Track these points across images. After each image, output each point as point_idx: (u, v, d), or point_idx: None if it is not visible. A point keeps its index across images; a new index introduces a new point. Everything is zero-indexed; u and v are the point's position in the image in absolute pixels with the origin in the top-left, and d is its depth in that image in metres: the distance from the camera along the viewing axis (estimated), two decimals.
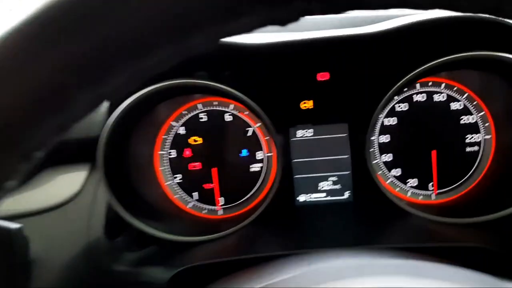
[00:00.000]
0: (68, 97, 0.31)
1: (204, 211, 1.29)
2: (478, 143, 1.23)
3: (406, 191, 1.26)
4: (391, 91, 1.08)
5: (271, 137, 1.20)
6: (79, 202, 1.00)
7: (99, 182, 1.02)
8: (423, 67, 1.05)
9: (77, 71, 0.30)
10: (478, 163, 1.23)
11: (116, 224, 1.01)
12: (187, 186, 1.28)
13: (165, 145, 1.26)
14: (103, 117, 1.09)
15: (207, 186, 1.28)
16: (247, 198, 1.29)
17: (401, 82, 1.07)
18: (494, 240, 1.01)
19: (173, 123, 1.26)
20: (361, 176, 1.24)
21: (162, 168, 1.27)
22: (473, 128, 1.22)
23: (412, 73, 1.06)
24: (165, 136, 1.26)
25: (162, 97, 1.16)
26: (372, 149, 1.24)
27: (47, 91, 0.30)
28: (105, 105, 1.13)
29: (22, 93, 0.29)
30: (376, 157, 1.25)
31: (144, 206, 1.13)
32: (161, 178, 1.28)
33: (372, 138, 1.23)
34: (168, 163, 1.27)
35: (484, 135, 1.22)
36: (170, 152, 1.26)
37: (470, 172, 1.24)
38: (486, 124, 1.22)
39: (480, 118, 1.22)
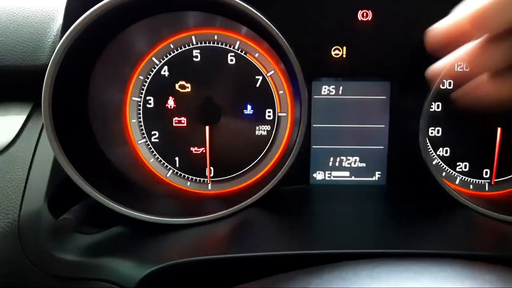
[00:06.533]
0: None
1: (188, 183, 0.99)
2: None
3: (454, 177, 0.98)
4: None
5: (292, 90, 0.89)
6: (12, 156, 0.79)
7: (42, 131, 0.81)
8: None
9: None
10: None
11: (64, 193, 0.79)
12: (167, 148, 0.99)
13: (140, 89, 0.94)
14: (53, 39, 0.84)
15: (195, 150, 0.95)
16: (247, 171, 0.99)
17: None
18: None
19: (154, 60, 0.93)
20: (401, 154, 0.96)
21: (134, 121, 0.96)
22: None
23: None
24: (142, 77, 0.94)
25: (139, 13, 0.88)
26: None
27: None
28: (57, 23, 0.80)
29: None
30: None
31: (106, 170, 0.90)
32: (131, 134, 0.96)
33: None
34: (143, 115, 0.96)
35: None
36: (147, 100, 0.93)
37: None
38: None
39: None
